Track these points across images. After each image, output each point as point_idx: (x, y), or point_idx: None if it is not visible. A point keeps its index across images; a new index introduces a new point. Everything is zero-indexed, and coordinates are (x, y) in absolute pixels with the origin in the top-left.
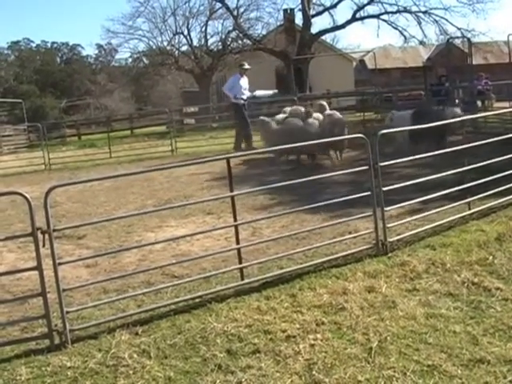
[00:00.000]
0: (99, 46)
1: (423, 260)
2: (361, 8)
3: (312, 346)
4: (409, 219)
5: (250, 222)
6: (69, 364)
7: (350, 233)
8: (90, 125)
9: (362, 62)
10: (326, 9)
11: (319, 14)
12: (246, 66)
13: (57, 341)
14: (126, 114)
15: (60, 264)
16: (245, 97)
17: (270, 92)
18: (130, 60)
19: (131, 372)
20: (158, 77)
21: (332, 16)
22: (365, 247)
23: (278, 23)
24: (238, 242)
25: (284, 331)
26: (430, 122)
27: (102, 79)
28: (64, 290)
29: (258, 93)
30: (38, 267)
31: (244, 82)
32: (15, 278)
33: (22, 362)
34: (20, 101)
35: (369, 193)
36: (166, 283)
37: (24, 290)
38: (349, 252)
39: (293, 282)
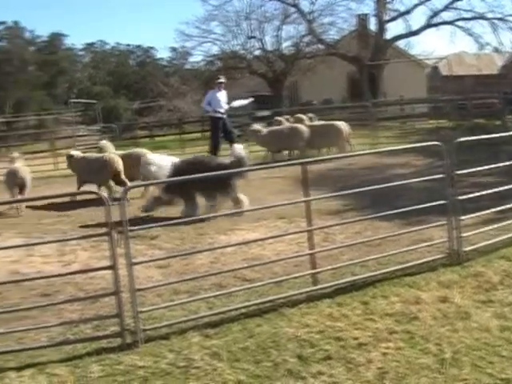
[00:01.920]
0: (173, 49)
1: (498, 271)
2: (436, 14)
3: (384, 354)
4: (484, 229)
5: (324, 228)
6: (140, 363)
7: (423, 241)
8: (162, 127)
9: (435, 68)
10: (401, 14)
11: (393, 19)
12: (220, 80)
13: (128, 340)
14: (197, 117)
15: (134, 264)
16: (223, 110)
17: (246, 101)
18: (203, 63)
19: (202, 374)
20: (231, 80)
21: (406, 22)
22: (439, 256)
23: (352, 28)
24: (311, 248)
25: (356, 338)
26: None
27: (175, 82)
28: (137, 290)
29: (236, 103)
30: (113, 267)
31: (221, 95)
32: (88, 276)
33: (94, 359)
34: (94, 101)
35: (444, 201)
36: (238, 286)
37: (96, 289)
38: (422, 261)
39: (365, 290)
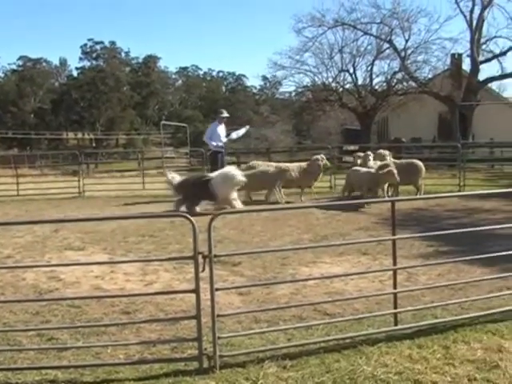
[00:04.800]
0: (264, 78)
1: None
2: None
3: None
4: None
5: (409, 268)
6: None
7: (508, 288)
8: (249, 154)
9: None
10: (495, 56)
11: (488, 60)
12: (224, 114)
13: (205, 365)
14: (286, 147)
15: (217, 290)
16: (221, 144)
17: (242, 131)
18: (294, 94)
19: None
20: (320, 112)
21: (501, 63)
22: None
23: (445, 67)
24: (395, 287)
25: (434, 383)
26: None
27: (265, 110)
28: (218, 316)
29: (233, 135)
30: (196, 290)
31: (221, 129)
32: (169, 297)
33: (170, 381)
34: (185, 125)
35: None
36: (318, 320)
37: (177, 311)
38: (506, 308)
39: (446, 333)
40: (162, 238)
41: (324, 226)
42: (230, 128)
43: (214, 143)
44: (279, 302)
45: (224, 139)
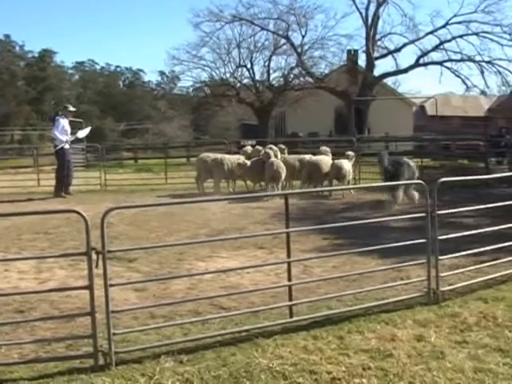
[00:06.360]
0: (162, 73)
1: (474, 313)
2: (425, 54)
3: None
4: (462, 270)
5: (303, 260)
6: None
7: (401, 279)
8: (147, 149)
9: (421, 107)
10: (390, 52)
11: (383, 56)
12: (71, 109)
13: (101, 361)
14: (183, 142)
15: (111, 286)
16: (68, 138)
17: (87, 130)
18: (192, 89)
19: None
20: (218, 107)
21: (395, 60)
22: (416, 295)
23: (342, 63)
24: (289, 279)
25: (329, 373)
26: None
27: (163, 106)
28: (113, 312)
29: (80, 134)
30: (90, 287)
31: (68, 124)
32: (64, 295)
33: (65, 379)
34: (80, 120)
35: (424, 240)
36: (214, 314)
37: (72, 308)
38: (399, 298)
39: (341, 324)
40: (57, 235)
41: (221, 220)
42: (127, 124)
43: (63, 138)
44: (175, 297)
45: (69, 136)
